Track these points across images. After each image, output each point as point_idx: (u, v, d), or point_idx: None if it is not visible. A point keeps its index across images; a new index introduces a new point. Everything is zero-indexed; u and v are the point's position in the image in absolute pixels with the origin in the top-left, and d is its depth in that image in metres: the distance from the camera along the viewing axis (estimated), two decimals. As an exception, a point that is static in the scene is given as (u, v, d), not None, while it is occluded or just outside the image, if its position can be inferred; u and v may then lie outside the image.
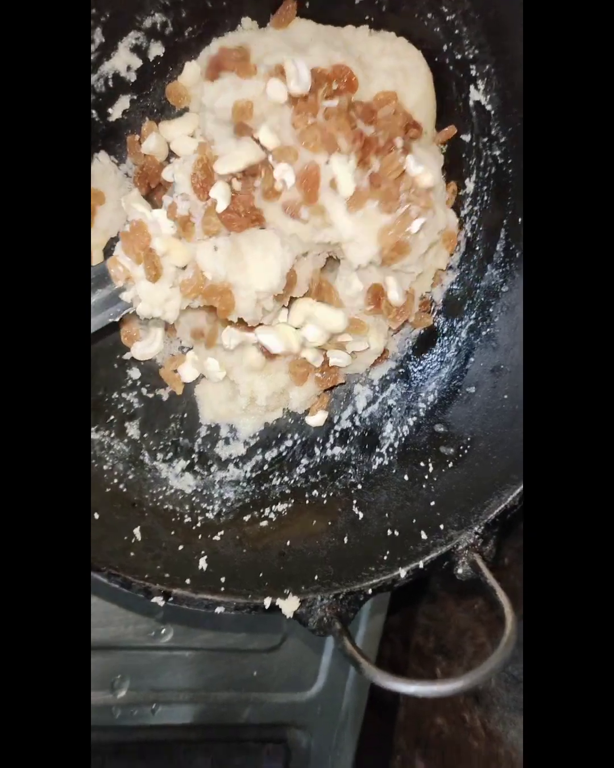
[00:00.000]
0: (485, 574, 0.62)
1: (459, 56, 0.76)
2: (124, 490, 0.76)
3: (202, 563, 0.70)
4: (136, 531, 0.71)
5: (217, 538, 0.74)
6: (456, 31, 0.75)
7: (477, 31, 0.74)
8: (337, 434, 0.85)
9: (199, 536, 0.74)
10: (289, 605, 0.66)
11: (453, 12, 0.74)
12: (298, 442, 0.84)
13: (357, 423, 0.85)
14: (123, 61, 0.75)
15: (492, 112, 0.76)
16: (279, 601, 0.66)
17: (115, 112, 0.76)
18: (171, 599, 0.65)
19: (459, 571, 0.66)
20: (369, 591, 0.67)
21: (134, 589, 0.65)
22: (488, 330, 0.80)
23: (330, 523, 0.76)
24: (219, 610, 0.66)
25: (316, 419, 0.84)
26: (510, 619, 0.57)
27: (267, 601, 0.66)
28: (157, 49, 0.76)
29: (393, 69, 0.74)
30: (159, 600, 0.65)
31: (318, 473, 0.82)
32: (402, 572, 0.67)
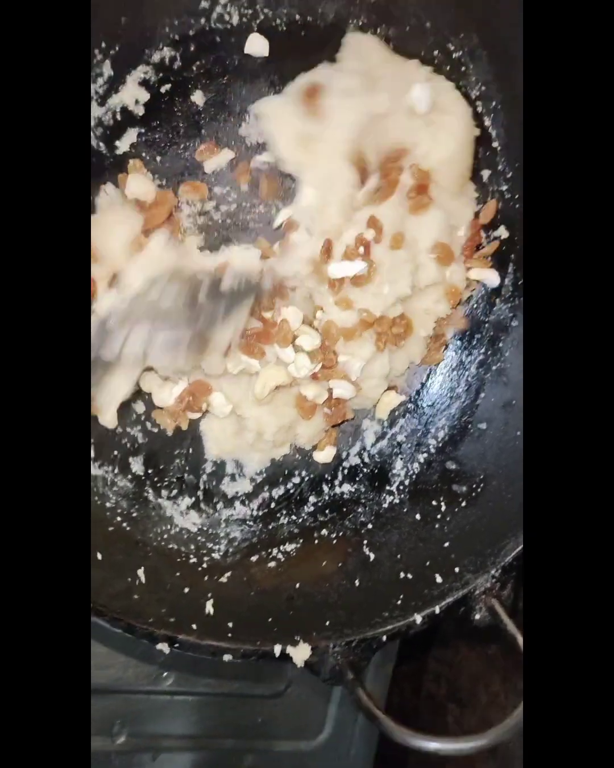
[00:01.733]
0: (504, 621, 0.60)
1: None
2: (127, 528, 0.74)
3: (209, 607, 0.68)
4: (140, 572, 0.69)
5: (223, 579, 0.72)
6: (463, 69, 0.75)
7: (484, 67, 0.74)
8: (346, 471, 0.83)
9: (205, 578, 0.72)
10: (300, 653, 0.63)
11: (460, 49, 0.75)
12: (306, 479, 0.82)
13: (366, 459, 0.83)
14: (131, 95, 0.75)
15: (499, 148, 0.77)
16: (289, 649, 0.63)
17: (123, 144, 0.76)
18: (176, 645, 0.63)
19: (477, 617, 0.63)
20: (383, 638, 0.64)
21: (138, 634, 0.63)
22: (498, 365, 0.79)
23: (340, 564, 0.74)
24: (227, 657, 0.63)
25: (324, 455, 0.82)
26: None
27: (277, 649, 0.63)
28: (165, 83, 0.76)
29: (431, 120, 0.75)
30: (164, 647, 0.63)
31: (327, 512, 0.81)
32: (418, 618, 0.65)
